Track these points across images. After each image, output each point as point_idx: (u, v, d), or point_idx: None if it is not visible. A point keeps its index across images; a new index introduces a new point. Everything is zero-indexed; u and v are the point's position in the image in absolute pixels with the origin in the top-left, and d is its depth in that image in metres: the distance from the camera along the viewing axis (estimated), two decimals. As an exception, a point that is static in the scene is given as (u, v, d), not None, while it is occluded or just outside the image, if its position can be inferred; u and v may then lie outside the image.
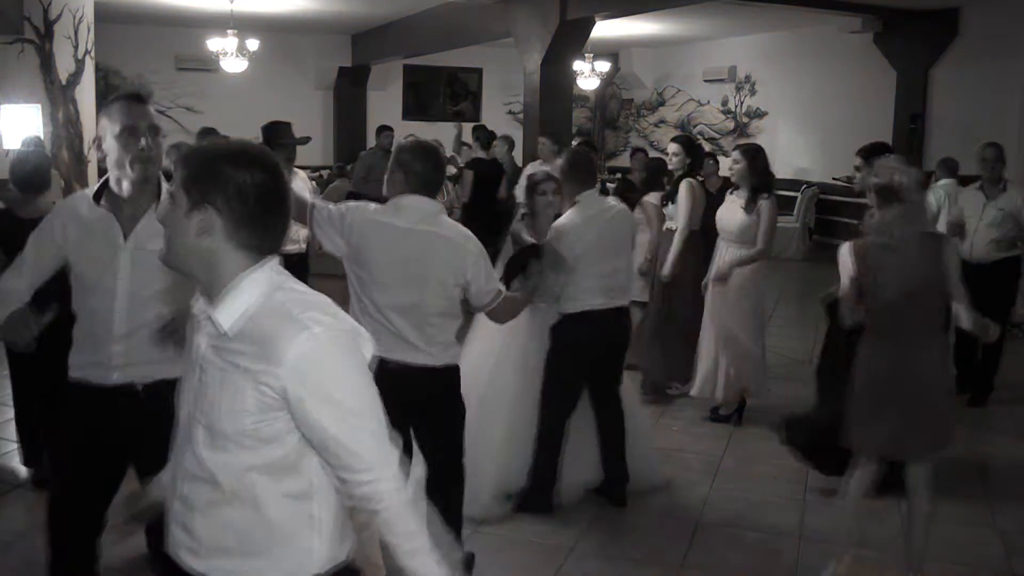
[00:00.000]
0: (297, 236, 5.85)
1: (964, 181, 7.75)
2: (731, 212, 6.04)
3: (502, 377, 4.77)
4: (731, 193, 6.16)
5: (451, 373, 3.69)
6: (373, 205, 3.67)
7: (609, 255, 4.73)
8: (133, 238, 2.92)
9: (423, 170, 3.59)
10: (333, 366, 1.76)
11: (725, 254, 6.08)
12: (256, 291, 1.79)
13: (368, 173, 10.52)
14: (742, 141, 13.41)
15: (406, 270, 3.50)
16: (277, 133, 6.34)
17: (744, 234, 5.94)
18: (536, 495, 4.69)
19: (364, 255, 3.51)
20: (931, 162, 11.20)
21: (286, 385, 1.72)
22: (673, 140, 6.92)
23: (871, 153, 5.24)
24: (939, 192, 7.55)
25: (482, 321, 4.29)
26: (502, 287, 3.75)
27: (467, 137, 11.55)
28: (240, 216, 1.77)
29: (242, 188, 1.76)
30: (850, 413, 3.92)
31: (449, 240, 3.55)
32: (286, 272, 1.87)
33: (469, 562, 3.89)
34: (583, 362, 4.72)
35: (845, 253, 3.83)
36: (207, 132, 8.22)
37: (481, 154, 9.99)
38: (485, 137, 10.27)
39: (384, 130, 11.81)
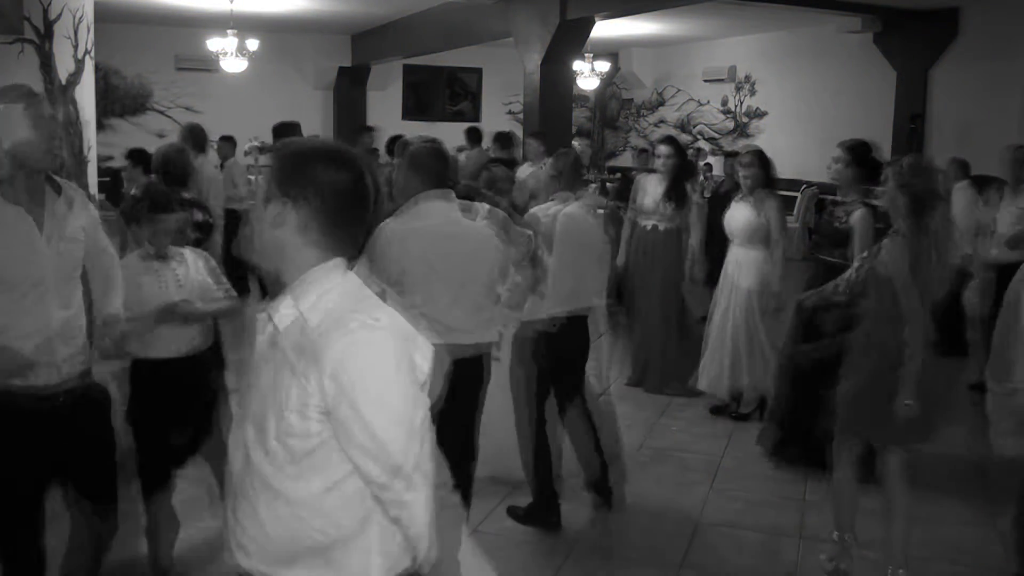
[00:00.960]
0: None
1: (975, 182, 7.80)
2: (739, 213, 6.08)
3: None
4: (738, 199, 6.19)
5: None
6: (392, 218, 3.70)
7: (586, 257, 4.71)
8: (47, 230, 3.02)
9: (439, 169, 3.72)
10: (363, 367, 1.72)
11: (734, 256, 6.13)
12: (316, 290, 1.80)
13: None
14: (742, 143, 13.45)
15: (438, 270, 3.59)
16: (285, 133, 6.39)
17: (755, 234, 6.00)
18: (543, 511, 4.67)
19: (396, 265, 3.52)
20: (931, 162, 11.21)
21: (324, 386, 1.72)
22: (663, 142, 6.87)
23: (856, 149, 5.26)
24: (959, 194, 7.53)
25: None
26: (517, 276, 3.93)
27: (460, 139, 11.59)
28: (314, 213, 1.80)
29: (320, 186, 1.79)
30: (851, 400, 3.95)
31: (474, 237, 3.70)
32: (352, 275, 1.87)
33: None
34: (558, 365, 4.67)
35: (898, 251, 3.78)
36: (192, 129, 8.23)
37: (491, 154, 10.02)
38: (504, 138, 10.35)
39: (365, 131, 11.84)
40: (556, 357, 4.60)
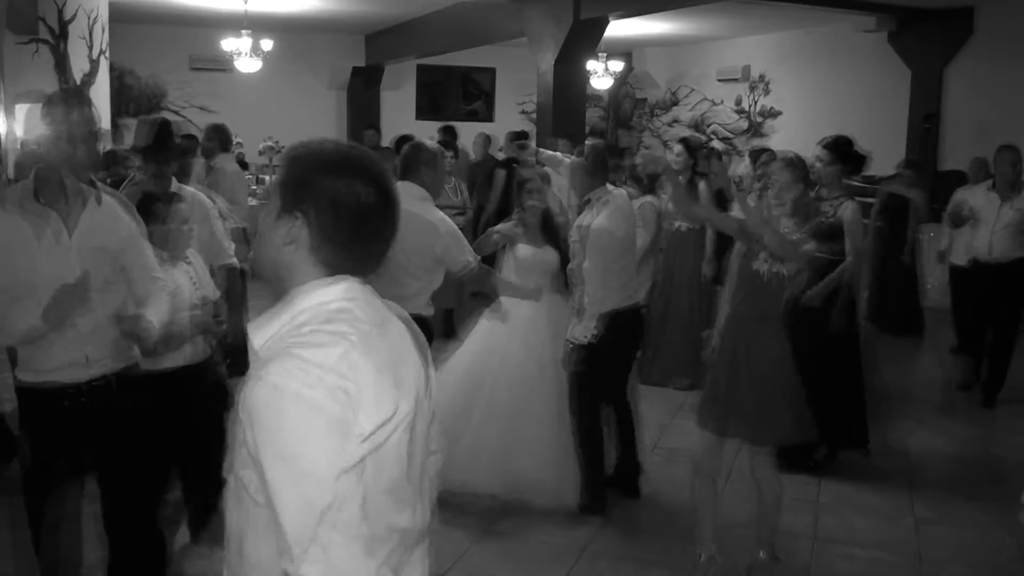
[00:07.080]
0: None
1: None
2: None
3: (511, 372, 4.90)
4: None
5: None
6: None
7: (628, 251, 4.86)
8: (77, 235, 3.04)
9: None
10: (272, 422, 1.47)
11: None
12: (293, 310, 1.59)
13: None
14: (756, 143, 13.41)
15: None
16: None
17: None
18: (596, 497, 4.78)
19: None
20: (946, 161, 11.17)
21: (246, 432, 1.51)
22: (678, 141, 7.13)
23: (838, 148, 5.36)
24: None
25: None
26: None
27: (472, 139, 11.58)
28: (329, 231, 1.60)
29: (337, 201, 1.59)
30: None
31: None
32: (356, 296, 1.62)
33: None
34: (614, 361, 4.82)
35: None
36: (217, 128, 8.22)
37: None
38: (521, 138, 10.29)
39: (371, 128, 11.94)
40: (603, 359, 4.69)
